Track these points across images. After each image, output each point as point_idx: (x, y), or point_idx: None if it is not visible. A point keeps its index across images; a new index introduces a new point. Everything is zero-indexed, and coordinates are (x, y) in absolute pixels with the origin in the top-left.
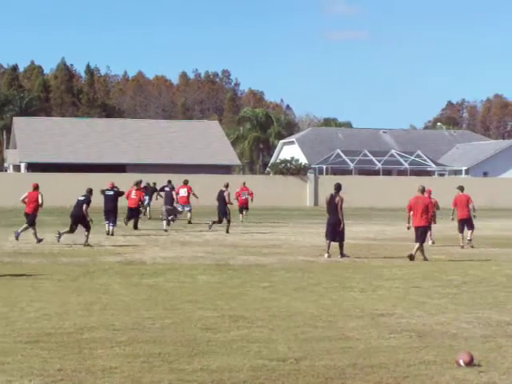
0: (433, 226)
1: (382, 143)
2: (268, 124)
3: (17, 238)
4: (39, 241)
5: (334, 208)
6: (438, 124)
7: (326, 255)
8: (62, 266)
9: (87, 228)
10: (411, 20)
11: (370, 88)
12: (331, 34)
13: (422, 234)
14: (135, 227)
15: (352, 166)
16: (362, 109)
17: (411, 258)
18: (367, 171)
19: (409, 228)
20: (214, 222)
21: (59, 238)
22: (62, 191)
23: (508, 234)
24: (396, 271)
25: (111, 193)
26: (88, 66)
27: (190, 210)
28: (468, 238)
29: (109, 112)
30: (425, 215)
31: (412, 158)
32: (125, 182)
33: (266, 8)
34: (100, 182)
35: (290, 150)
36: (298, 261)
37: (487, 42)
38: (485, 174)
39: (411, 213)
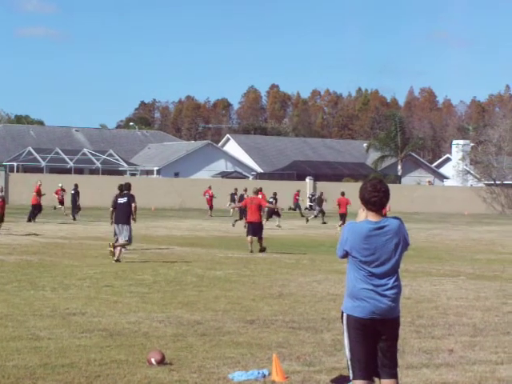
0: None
1: (75, 141)
2: None
3: None
4: None
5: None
6: (131, 124)
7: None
8: None
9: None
10: (106, 18)
11: (63, 86)
12: (22, 31)
13: (257, 228)
14: (29, 220)
15: (44, 163)
16: (55, 107)
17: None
18: (59, 169)
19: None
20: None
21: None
22: None
23: (196, 233)
24: (88, 270)
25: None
26: None
27: None
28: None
29: None
30: (257, 212)
31: (104, 157)
32: None
33: None
34: None
35: None
36: None
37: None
38: (176, 175)
39: (244, 206)
